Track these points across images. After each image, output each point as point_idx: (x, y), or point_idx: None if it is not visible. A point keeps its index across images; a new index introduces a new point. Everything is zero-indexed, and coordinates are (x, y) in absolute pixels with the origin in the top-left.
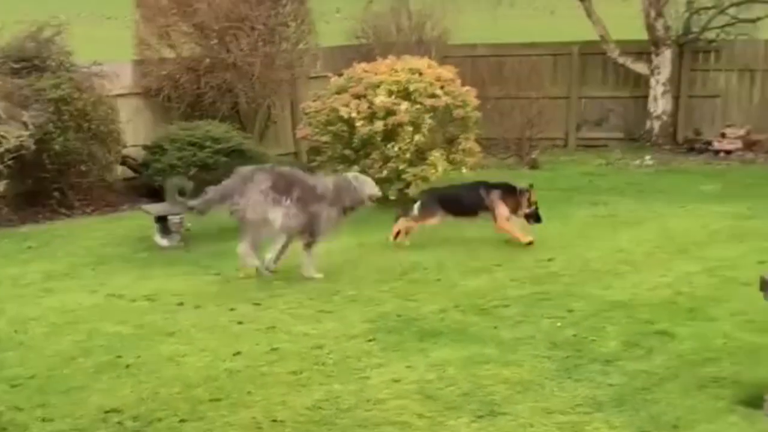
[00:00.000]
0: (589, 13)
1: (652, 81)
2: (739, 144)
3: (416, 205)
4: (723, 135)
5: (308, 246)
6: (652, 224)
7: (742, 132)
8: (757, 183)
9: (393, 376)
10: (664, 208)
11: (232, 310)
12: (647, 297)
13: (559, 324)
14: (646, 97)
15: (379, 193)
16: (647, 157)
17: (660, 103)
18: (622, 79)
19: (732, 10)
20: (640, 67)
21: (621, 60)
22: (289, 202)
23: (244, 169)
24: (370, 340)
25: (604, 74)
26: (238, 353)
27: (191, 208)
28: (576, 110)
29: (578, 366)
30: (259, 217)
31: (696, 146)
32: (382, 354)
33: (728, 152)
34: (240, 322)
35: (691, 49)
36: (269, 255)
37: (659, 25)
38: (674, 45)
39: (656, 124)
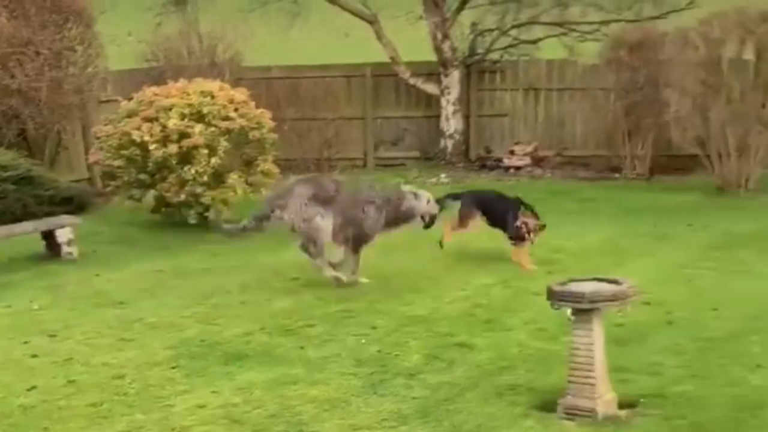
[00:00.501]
0: (380, 36)
1: (443, 101)
2: (527, 160)
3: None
4: (512, 152)
5: (354, 250)
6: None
7: (529, 149)
8: (545, 197)
9: (198, 402)
10: None
11: (25, 343)
12: (447, 310)
13: (363, 341)
14: (438, 116)
15: (435, 212)
16: (442, 175)
17: (452, 123)
18: (415, 99)
19: (514, 32)
20: (431, 88)
21: (412, 81)
22: (329, 211)
23: (286, 183)
24: (173, 367)
25: (398, 95)
26: (33, 388)
27: (245, 228)
28: (372, 130)
29: (383, 381)
30: (310, 225)
31: (487, 163)
32: (186, 380)
33: (518, 168)
34: (34, 356)
35: (477, 70)
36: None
37: (446, 46)
38: (462, 66)
39: (449, 143)
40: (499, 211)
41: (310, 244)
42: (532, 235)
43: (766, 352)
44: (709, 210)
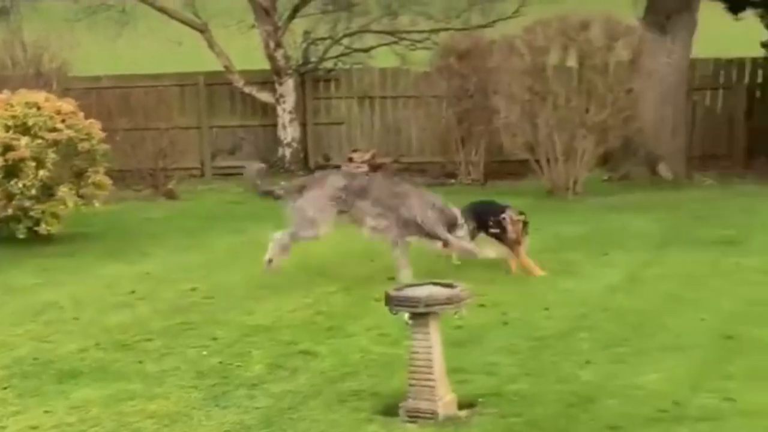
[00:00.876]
0: (211, 45)
1: (279, 109)
2: (365, 167)
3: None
4: (350, 159)
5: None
6: (292, 248)
7: (367, 156)
8: None
9: (31, 423)
10: None
11: None
12: (289, 319)
13: (204, 353)
14: (275, 125)
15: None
16: (282, 184)
17: (289, 131)
18: (251, 108)
19: (346, 41)
20: (266, 96)
21: (247, 89)
22: (366, 203)
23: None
24: (4, 388)
25: (233, 104)
26: None
27: (269, 193)
28: (209, 140)
29: (225, 393)
30: (313, 216)
31: None
32: (18, 401)
33: None
34: None
35: (312, 78)
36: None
37: (279, 55)
38: (296, 74)
39: (288, 151)
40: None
41: (302, 225)
42: (511, 227)
43: (594, 349)
44: (540, 213)
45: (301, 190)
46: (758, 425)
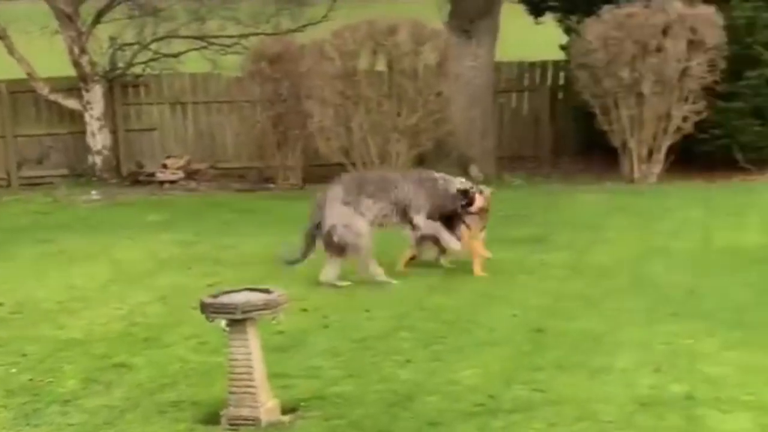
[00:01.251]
0: (11, 51)
1: (87, 116)
2: (181, 174)
3: None
4: (165, 166)
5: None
6: (103, 258)
7: (182, 162)
8: (201, 210)
9: None
10: (113, 241)
11: None
12: (103, 332)
13: (13, 370)
14: (84, 132)
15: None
16: (93, 192)
17: (98, 138)
18: (58, 115)
19: (154, 46)
20: (72, 103)
21: (52, 97)
22: (367, 199)
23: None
24: None
25: (38, 111)
26: None
27: (307, 253)
28: (14, 149)
29: (37, 410)
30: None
31: (140, 179)
32: None
33: (172, 182)
34: None
35: (121, 84)
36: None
37: (84, 61)
38: (103, 80)
39: (98, 159)
40: None
41: (352, 252)
42: (479, 198)
43: (414, 348)
44: None
45: (320, 223)
46: (566, 413)
